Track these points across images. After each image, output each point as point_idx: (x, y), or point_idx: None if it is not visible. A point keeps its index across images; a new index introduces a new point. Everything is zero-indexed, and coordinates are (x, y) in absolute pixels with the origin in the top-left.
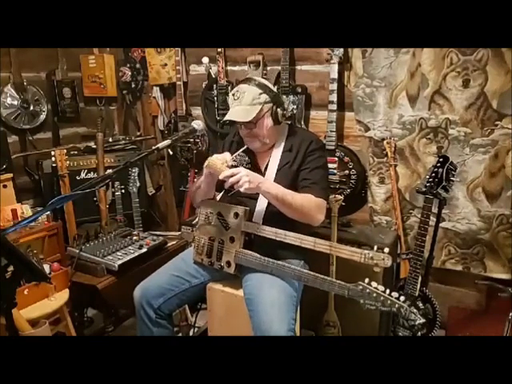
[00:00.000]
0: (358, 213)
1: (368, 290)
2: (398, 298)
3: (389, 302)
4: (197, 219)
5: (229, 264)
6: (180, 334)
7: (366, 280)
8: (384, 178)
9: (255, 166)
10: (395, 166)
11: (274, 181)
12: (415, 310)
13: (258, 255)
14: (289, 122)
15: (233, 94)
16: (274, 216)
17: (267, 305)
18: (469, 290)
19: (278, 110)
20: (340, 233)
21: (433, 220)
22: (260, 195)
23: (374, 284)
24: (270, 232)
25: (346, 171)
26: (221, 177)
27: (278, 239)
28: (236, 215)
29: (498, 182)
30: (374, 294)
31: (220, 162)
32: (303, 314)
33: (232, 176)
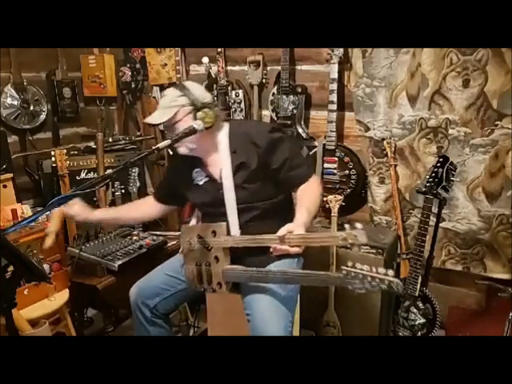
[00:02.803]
0: (357, 213)
1: (353, 273)
2: (386, 274)
3: (377, 279)
4: (180, 250)
5: (220, 285)
6: (180, 334)
7: (350, 263)
8: (384, 178)
9: (212, 179)
10: (395, 165)
11: (235, 188)
12: (414, 310)
13: (244, 268)
14: (227, 121)
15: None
16: (250, 223)
17: (264, 309)
18: (469, 289)
19: (200, 114)
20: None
21: (433, 220)
22: (226, 208)
23: (358, 265)
24: (247, 240)
25: (346, 171)
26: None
27: (257, 245)
28: (214, 233)
29: (498, 182)
30: (360, 276)
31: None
32: (303, 313)
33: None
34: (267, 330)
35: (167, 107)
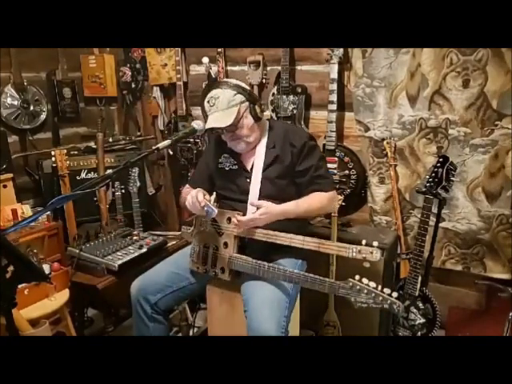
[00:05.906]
0: (358, 213)
1: (358, 287)
2: (390, 295)
3: (380, 298)
4: (192, 228)
5: (223, 270)
6: (180, 334)
7: (357, 277)
8: (384, 178)
9: (241, 167)
10: (395, 166)
11: (262, 179)
12: (414, 310)
13: (250, 259)
14: (269, 118)
15: (207, 101)
16: None
17: (258, 304)
18: (469, 289)
19: (256, 106)
20: (340, 233)
21: (433, 220)
22: (249, 198)
23: (365, 280)
24: (260, 234)
25: (346, 171)
26: (239, 228)
27: (269, 240)
28: (229, 220)
29: (498, 182)
30: (365, 291)
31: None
32: (303, 313)
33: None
34: (261, 325)
35: (227, 108)
